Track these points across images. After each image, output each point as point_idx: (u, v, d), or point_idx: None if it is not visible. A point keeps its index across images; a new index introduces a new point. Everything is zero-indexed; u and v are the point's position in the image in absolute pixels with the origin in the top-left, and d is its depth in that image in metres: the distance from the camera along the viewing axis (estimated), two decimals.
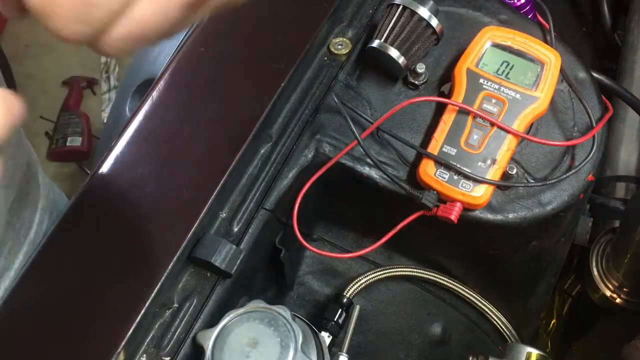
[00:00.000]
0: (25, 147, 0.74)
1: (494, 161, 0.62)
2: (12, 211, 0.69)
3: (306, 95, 0.68)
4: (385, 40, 0.66)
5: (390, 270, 0.73)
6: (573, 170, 0.64)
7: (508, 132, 0.63)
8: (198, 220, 0.57)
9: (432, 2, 0.66)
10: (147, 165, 0.62)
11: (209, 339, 0.54)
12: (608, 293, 0.77)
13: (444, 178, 0.62)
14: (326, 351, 0.62)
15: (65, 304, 0.56)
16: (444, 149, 0.63)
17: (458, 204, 0.62)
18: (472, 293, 0.74)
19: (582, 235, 0.80)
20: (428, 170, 0.62)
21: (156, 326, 0.56)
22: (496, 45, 0.66)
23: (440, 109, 0.66)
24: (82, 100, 2.19)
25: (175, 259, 0.56)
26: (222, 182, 0.59)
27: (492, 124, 0.63)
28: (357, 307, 0.69)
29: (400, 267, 0.74)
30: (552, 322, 0.91)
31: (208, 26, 0.69)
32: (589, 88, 0.69)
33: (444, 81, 0.69)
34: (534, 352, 0.63)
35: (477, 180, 0.62)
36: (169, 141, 0.63)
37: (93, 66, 2.25)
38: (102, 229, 0.59)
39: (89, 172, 0.68)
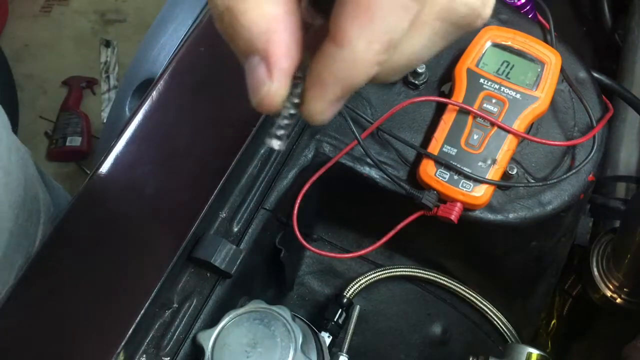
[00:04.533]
0: (29, 165, 0.75)
1: (494, 161, 0.62)
2: (19, 228, 0.70)
3: None
4: None
5: (390, 270, 0.73)
6: (573, 170, 0.64)
7: (508, 132, 0.63)
8: (198, 220, 0.57)
9: None
10: (146, 165, 0.62)
11: (208, 339, 0.53)
12: (608, 293, 0.77)
13: (444, 178, 0.62)
14: (326, 351, 0.62)
15: (65, 304, 0.56)
16: (444, 149, 0.63)
17: (458, 204, 0.61)
18: (472, 293, 0.74)
19: (583, 236, 0.80)
20: (428, 170, 0.62)
21: (156, 326, 0.56)
22: (496, 45, 0.66)
23: (440, 108, 0.66)
24: (82, 100, 2.19)
25: (175, 259, 0.56)
26: (222, 182, 0.59)
27: (493, 124, 0.63)
28: (357, 307, 0.69)
29: (400, 267, 0.74)
30: (552, 322, 0.91)
31: (208, 26, 0.69)
32: (590, 88, 0.69)
33: (444, 81, 0.69)
34: (534, 352, 0.63)
35: (478, 180, 0.61)
36: (169, 141, 0.63)
37: (93, 66, 2.25)
38: (102, 229, 0.59)
39: (88, 172, 0.69)
